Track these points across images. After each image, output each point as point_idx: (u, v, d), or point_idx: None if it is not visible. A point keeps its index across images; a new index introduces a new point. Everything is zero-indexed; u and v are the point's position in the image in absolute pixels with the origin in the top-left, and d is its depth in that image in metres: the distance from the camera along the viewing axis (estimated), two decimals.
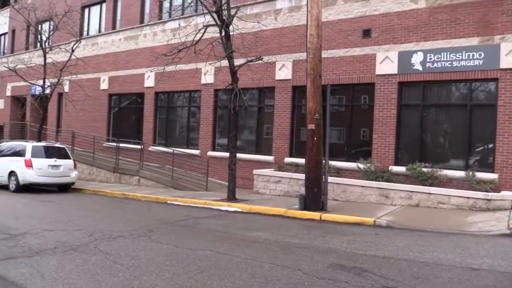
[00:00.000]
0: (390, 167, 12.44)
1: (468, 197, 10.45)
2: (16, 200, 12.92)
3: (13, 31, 29.43)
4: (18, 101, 28.40)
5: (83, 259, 5.90)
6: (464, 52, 11.55)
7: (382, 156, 12.77)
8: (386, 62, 12.84)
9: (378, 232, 8.34)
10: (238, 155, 13.39)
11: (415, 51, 12.32)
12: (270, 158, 15.24)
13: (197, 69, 15.78)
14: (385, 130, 12.78)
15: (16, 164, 14.93)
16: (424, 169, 11.50)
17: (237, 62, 12.98)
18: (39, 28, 22.12)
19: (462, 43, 11.63)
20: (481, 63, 11.32)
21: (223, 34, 12.35)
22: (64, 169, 15.32)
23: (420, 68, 12.24)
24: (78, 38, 20.22)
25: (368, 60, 13.23)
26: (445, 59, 11.84)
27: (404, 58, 12.50)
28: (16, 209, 11.03)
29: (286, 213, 10.51)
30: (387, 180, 11.81)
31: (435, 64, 11.99)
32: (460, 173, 11.32)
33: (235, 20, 12.74)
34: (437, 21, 12.06)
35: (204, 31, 12.68)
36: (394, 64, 12.70)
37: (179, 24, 15.21)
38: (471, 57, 11.45)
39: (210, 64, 13.66)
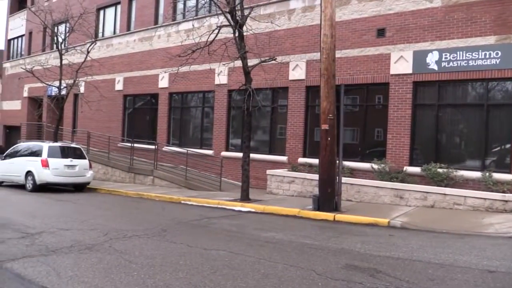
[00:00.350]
0: (405, 168, 12.32)
1: (484, 198, 10.30)
2: (33, 199, 13.13)
3: (30, 33, 29.94)
4: (35, 102, 28.88)
5: (98, 258, 5.97)
6: (480, 51, 11.39)
7: (396, 156, 12.66)
8: (401, 62, 12.73)
9: (393, 233, 8.27)
10: (252, 155, 13.39)
11: (430, 51, 12.19)
12: (283, 158, 15.23)
13: (211, 69, 15.85)
14: (399, 130, 12.67)
15: (32, 164, 15.17)
16: (440, 170, 11.36)
17: (251, 62, 12.99)
18: (55, 30, 22.47)
19: (479, 42, 11.46)
20: (498, 62, 11.13)
21: (236, 34, 12.38)
22: (80, 169, 15.51)
23: (435, 67, 12.11)
24: (93, 40, 20.50)
25: (382, 60, 13.14)
26: (461, 58, 11.68)
27: (419, 58, 12.37)
28: (33, 208, 11.20)
29: (299, 214, 10.49)
30: (402, 181, 11.71)
31: (451, 64, 11.84)
32: (477, 174, 11.16)
33: (248, 21, 12.75)
34: (453, 20, 11.91)
35: (218, 32, 12.73)
36: (409, 63, 12.58)
37: (193, 25, 15.30)
38: (487, 56, 11.28)
39: (223, 64, 13.70)
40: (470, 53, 11.53)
